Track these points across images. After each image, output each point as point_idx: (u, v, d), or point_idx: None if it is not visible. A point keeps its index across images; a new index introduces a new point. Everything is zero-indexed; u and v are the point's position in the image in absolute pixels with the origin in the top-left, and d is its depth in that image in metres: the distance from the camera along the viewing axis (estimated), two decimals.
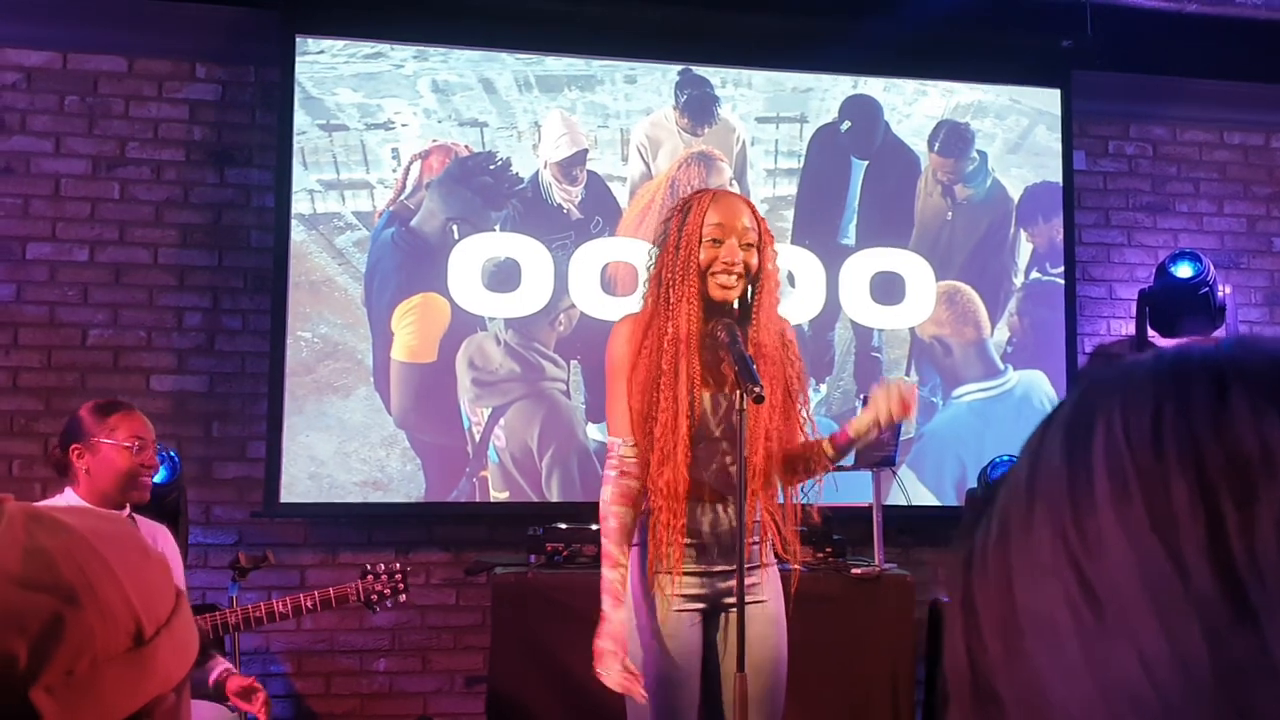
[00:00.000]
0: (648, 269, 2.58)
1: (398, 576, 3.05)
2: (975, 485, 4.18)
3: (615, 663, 2.34)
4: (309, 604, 2.92)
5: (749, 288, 2.52)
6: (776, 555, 2.59)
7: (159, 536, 3.05)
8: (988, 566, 0.44)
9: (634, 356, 2.50)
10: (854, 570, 3.64)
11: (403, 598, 3.09)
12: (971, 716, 0.44)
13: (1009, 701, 0.42)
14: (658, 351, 2.45)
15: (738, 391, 2.31)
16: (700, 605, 2.48)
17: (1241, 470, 0.39)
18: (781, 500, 2.54)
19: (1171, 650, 0.38)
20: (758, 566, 2.52)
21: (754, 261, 2.48)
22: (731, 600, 2.44)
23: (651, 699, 2.42)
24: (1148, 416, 0.42)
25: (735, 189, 4.33)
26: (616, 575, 2.41)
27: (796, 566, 2.61)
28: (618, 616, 2.38)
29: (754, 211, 2.55)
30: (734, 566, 2.43)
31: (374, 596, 3.03)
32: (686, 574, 2.44)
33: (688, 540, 2.45)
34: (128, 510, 2.97)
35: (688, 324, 2.43)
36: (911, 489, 4.24)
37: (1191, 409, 0.41)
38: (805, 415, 2.59)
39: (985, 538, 0.45)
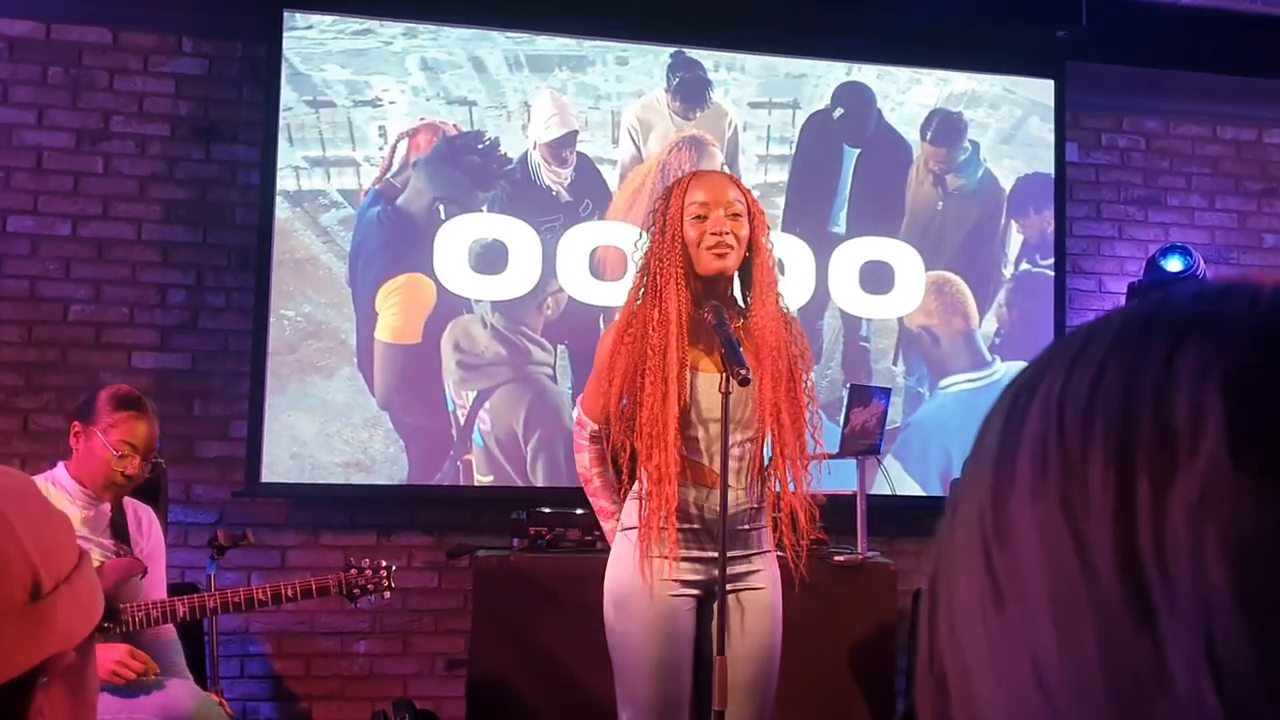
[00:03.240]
0: (636, 261, 2.55)
1: (382, 573, 3.02)
2: (960, 476, 4.16)
3: None
4: (289, 593, 2.89)
5: (746, 263, 2.49)
6: (780, 544, 2.56)
7: (144, 518, 3.02)
8: (940, 547, 0.41)
9: (617, 340, 2.48)
10: (837, 558, 3.62)
11: (387, 594, 3.05)
12: (927, 696, 0.40)
13: (951, 684, 0.39)
14: (643, 336, 2.42)
15: (725, 374, 2.29)
16: (695, 591, 2.45)
17: (1166, 441, 0.33)
18: (793, 486, 2.49)
19: (1063, 655, 0.33)
20: (757, 553, 2.50)
21: (744, 232, 2.44)
22: (727, 587, 2.43)
23: (646, 684, 2.40)
24: (1088, 377, 0.36)
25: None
26: (612, 524, 2.52)
27: (795, 559, 2.57)
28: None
29: (739, 186, 2.53)
30: (732, 552, 2.42)
31: (356, 590, 2.99)
32: (681, 559, 2.42)
33: (683, 525, 2.42)
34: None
35: (677, 304, 2.40)
36: (896, 479, 4.23)
37: (1135, 370, 0.35)
38: (809, 396, 2.55)
39: (945, 517, 0.42)
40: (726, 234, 2.41)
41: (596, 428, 2.55)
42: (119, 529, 2.91)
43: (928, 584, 0.42)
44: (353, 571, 2.99)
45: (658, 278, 2.44)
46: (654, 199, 2.61)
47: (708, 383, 2.43)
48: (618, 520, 2.52)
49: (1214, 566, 0.31)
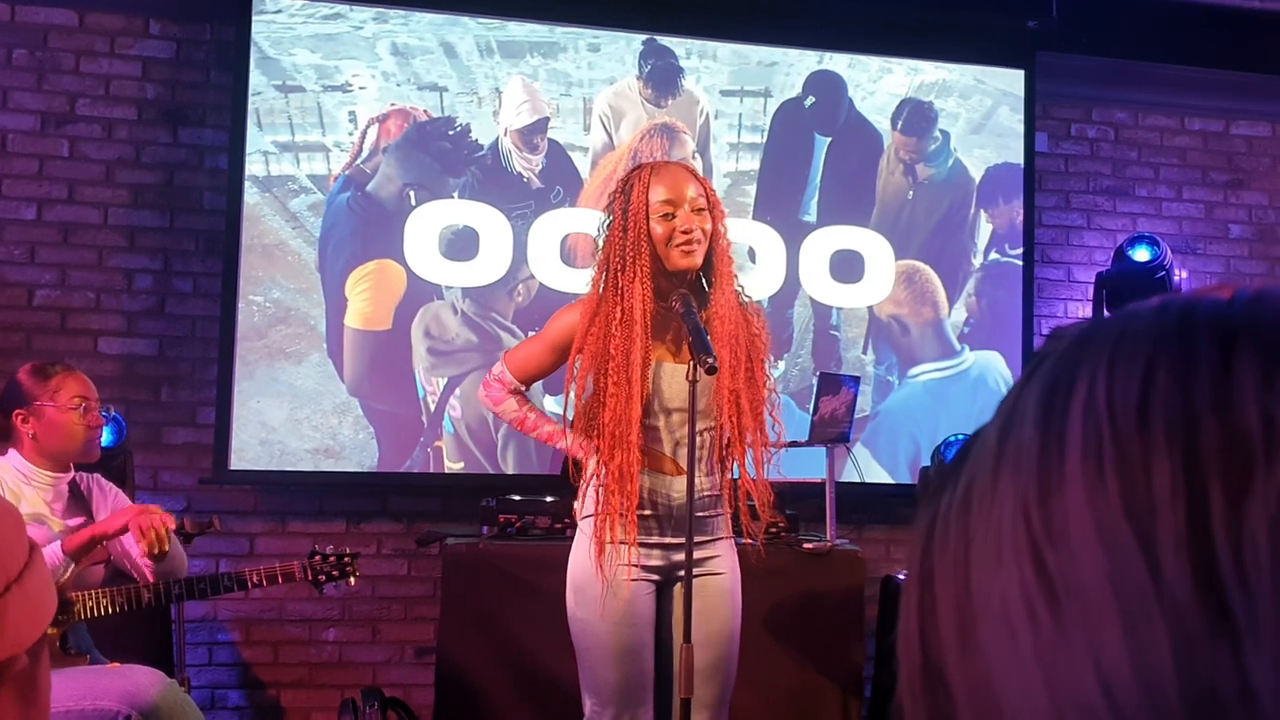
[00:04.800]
0: (594, 254, 2.56)
1: (346, 560, 3.01)
2: (929, 464, 4.19)
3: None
4: (254, 579, 2.88)
5: (708, 252, 2.50)
6: (737, 530, 2.58)
7: (98, 485, 3.00)
8: (948, 537, 0.39)
9: (580, 336, 2.49)
10: (805, 545, 3.64)
11: (352, 581, 3.05)
12: (920, 699, 0.39)
13: (958, 690, 0.37)
14: (605, 336, 2.43)
15: (692, 363, 2.30)
16: (654, 577, 2.49)
17: (1238, 451, 0.32)
18: (753, 474, 2.52)
19: (1134, 664, 0.32)
20: (716, 539, 2.52)
21: (708, 226, 2.47)
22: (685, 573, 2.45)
23: (607, 669, 2.43)
24: (1137, 379, 0.35)
25: (698, 162, 4.30)
26: (566, 443, 2.58)
27: (751, 542, 2.60)
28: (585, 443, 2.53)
29: (697, 177, 2.54)
30: (701, 538, 2.45)
31: (321, 577, 2.99)
32: (642, 545, 2.45)
33: (645, 512, 2.46)
34: (71, 471, 2.92)
35: (642, 303, 2.41)
36: (865, 467, 4.24)
37: (1189, 374, 0.34)
38: (770, 385, 2.58)
39: (949, 503, 0.40)
40: (694, 231, 2.43)
41: (519, 385, 2.62)
42: (79, 501, 2.89)
43: (917, 578, 0.40)
44: (317, 559, 2.99)
45: (619, 276, 2.45)
46: (608, 193, 2.61)
47: (671, 373, 2.45)
48: (565, 437, 2.58)
49: None
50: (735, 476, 2.54)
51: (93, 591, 2.77)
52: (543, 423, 2.65)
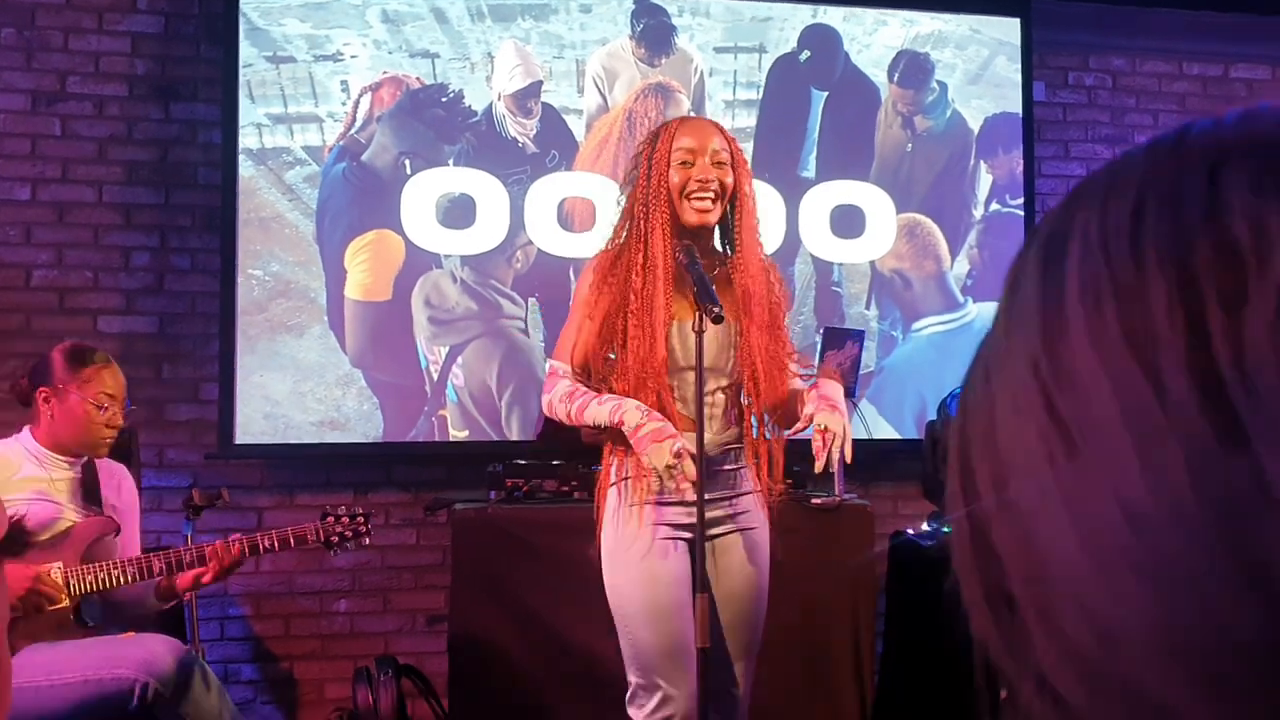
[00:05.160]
0: (619, 204, 2.55)
1: (359, 520, 2.99)
2: (935, 418, 4.18)
3: (671, 437, 2.26)
4: (266, 543, 2.87)
5: (728, 211, 2.49)
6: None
7: (118, 476, 3.00)
8: (977, 406, 0.39)
9: (598, 283, 2.47)
10: (814, 500, 3.63)
11: (366, 541, 3.02)
12: (973, 573, 0.39)
13: (1004, 551, 0.37)
14: (626, 282, 2.42)
15: (698, 313, 2.29)
16: (684, 534, 2.45)
17: (1230, 260, 0.32)
18: (769, 435, 2.52)
19: (1152, 488, 0.32)
20: (742, 494, 2.51)
21: (729, 180, 2.45)
22: (716, 530, 2.45)
23: (644, 631, 2.39)
24: (1128, 211, 0.35)
25: None
26: (617, 406, 2.33)
27: (769, 495, 2.58)
28: (652, 412, 2.31)
29: (724, 134, 2.51)
30: (716, 495, 2.45)
31: (334, 538, 2.97)
32: (668, 504, 2.43)
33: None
34: (81, 458, 2.91)
35: (663, 250, 2.40)
36: (872, 422, 4.24)
37: (1179, 197, 0.34)
38: (791, 348, 2.57)
39: (974, 376, 0.40)
40: (711, 181, 2.41)
41: (568, 368, 2.50)
42: (90, 490, 2.88)
43: (958, 461, 0.40)
44: (329, 520, 2.97)
45: (641, 223, 2.44)
46: (638, 142, 2.60)
47: (680, 330, 2.43)
48: (619, 403, 2.35)
49: None
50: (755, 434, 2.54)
51: (104, 564, 2.77)
52: (591, 397, 2.41)
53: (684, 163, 2.42)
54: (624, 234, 2.49)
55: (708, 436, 2.40)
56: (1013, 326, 0.38)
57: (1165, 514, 0.32)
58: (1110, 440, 0.33)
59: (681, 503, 2.42)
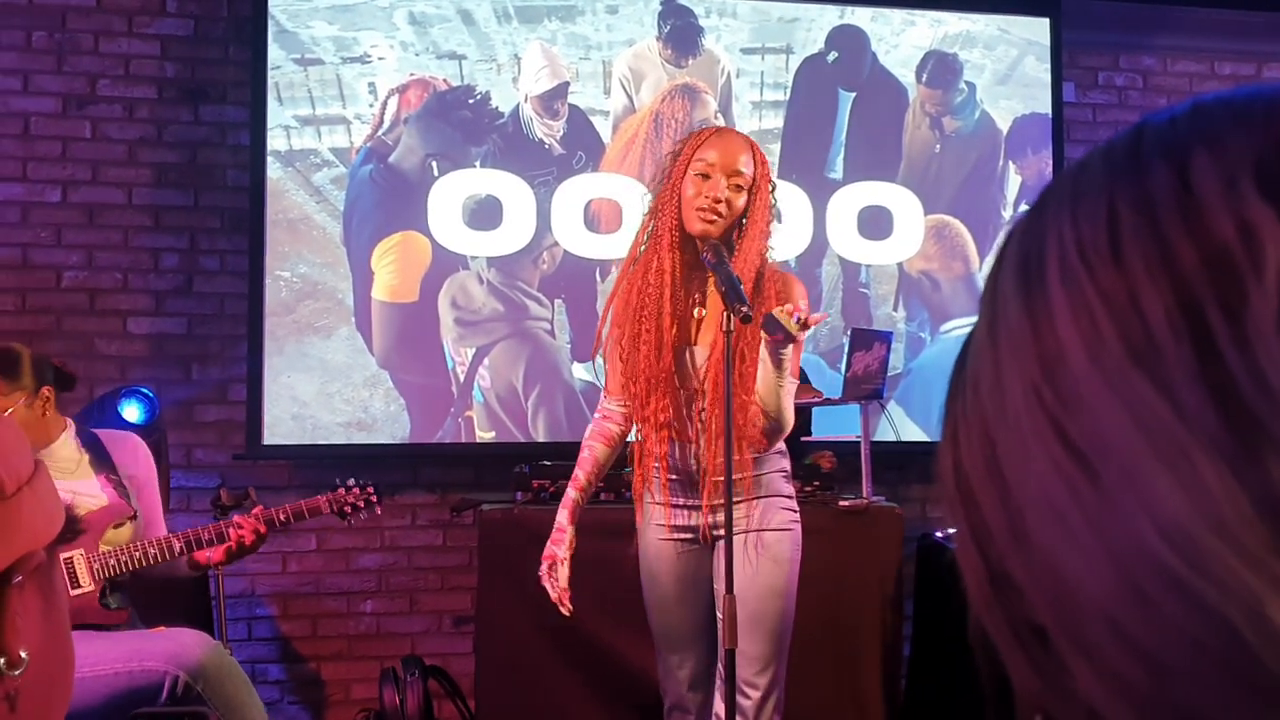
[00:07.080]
0: (646, 203, 2.60)
1: (369, 490, 3.04)
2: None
3: (561, 569, 2.54)
4: (281, 517, 2.91)
5: (736, 229, 2.47)
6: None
7: (138, 450, 2.99)
8: (972, 442, 0.37)
9: (615, 287, 2.57)
10: (842, 503, 3.61)
11: (378, 510, 3.07)
12: (995, 609, 0.37)
13: (1027, 586, 0.36)
14: (643, 285, 2.46)
15: (726, 312, 2.28)
16: (687, 535, 2.55)
17: (1221, 265, 0.31)
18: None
19: (1189, 502, 0.31)
20: (750, 500, 2.51)
21: (740, 204, 2.43)
22: (721, 533, 2.45)
23: (652, 617, 2.60)
24: (1102, 223, 0.34)
25: (720, 122, 4.26)
26: (575, 495, 2.58)
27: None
28: (569, 530, 2.55)
29: (756, 153, 2.48)
30: (721, 501, 2.45)
31: (346, 508, 3.01)
32: (674, 506, 2.54)
33: (673, 475, 2.51)
34: (73, 429, 2.92)
35: (671, 256, 2.43)
36: (900, 424, 4.21)
37: (1151, 202, 0.33)
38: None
39: (963, 410, 0.38)
40: (720, 203, 2.40)
41: (610, 407, 2.62)
42: (101, 460, 2.89)
43: (959, 499, 0.39)
44: (340, 490, 3.01)
45: (656, 224, 2.48)
46: (675, 143, 2.61)
47: (687, 351, 2.47)
48: (578, 494, 2.57)
49: None
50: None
51: (125, 546, 2.79)
52: (574, 484, 2.61)
53: (702, 174, 2.42)
54: (646, 235, 2.52)
55: (705, 450, 2.47)
56: (1002, 355, 0.36)
57: (1205, 528, 0.30)
58: (1134, 460, 0.32)
59: (678, 506, 2.53)
